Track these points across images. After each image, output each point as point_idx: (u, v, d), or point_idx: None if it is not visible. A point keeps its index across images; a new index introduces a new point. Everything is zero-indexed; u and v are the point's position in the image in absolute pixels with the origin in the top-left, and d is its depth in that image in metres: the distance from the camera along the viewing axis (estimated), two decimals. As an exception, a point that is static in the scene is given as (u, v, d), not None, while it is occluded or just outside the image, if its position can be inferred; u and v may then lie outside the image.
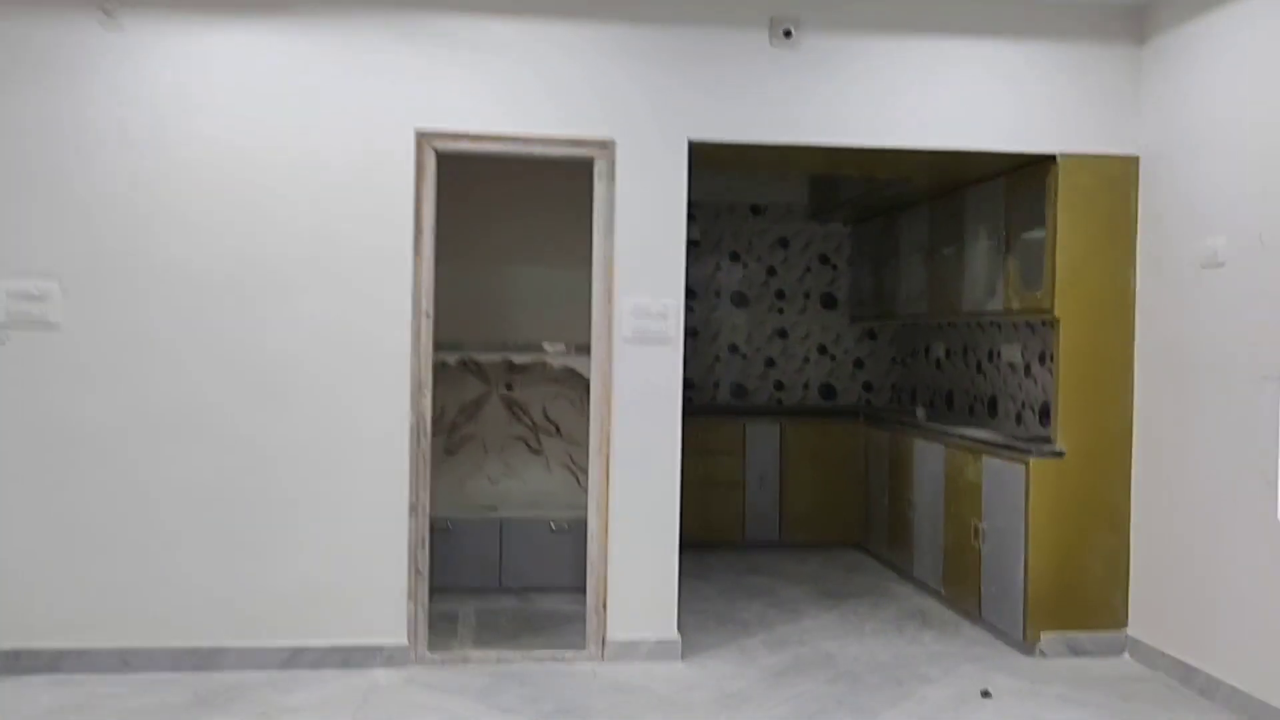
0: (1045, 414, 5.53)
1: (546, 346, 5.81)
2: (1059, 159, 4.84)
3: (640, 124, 4.63)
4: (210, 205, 4.40)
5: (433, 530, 5.26)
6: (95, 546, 4.35)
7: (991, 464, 5.19)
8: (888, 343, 7.88)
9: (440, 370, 5.77)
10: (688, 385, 7.37)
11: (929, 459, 5.94)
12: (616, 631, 4.64)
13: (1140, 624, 4.82)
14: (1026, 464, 4.86)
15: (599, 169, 4.64)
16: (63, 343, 4.32)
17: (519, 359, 5.86)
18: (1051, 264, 4.89)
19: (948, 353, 6.92)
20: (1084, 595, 4.88)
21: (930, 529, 5.89)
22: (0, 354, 4.28)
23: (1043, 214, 5.00)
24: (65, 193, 4.33)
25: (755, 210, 7.76)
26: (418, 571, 4.54)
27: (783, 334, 7.80)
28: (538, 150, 4.63)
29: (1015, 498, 4.94)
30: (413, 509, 4.53)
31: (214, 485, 4.41)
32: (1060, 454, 4.85)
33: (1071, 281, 4.85)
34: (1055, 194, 4.87)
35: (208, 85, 4.40)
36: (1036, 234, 5.09)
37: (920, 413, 6.69)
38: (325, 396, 4.46)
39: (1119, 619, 4.89)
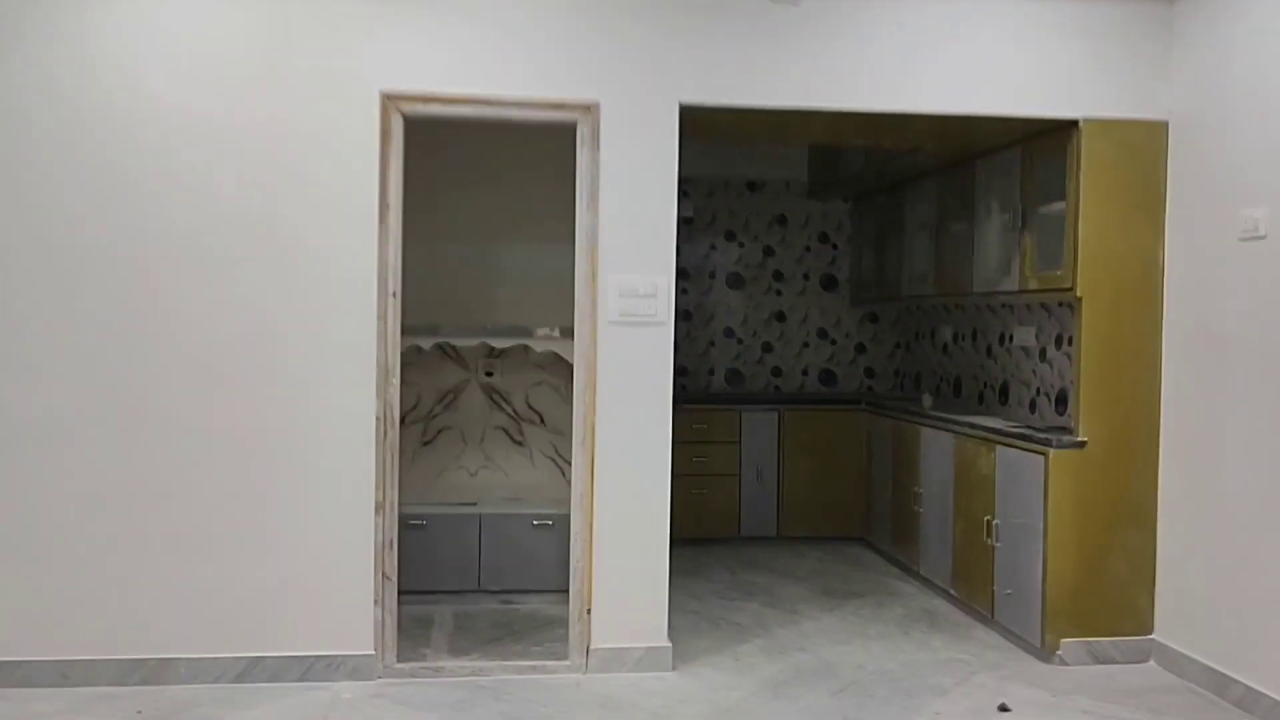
0: (1062, 401, 5.17)
1: (538, 332, 5.41)
2: (1081, 124, 4.46)
3: (627, 85, 4.24)
4: (152, 173, 4.00)
5: (406, 527, 4.91)
6: (30, 549, 3.97)
7: (1006, 455, 4.82)
8: (891, 326, 7.51)
9: (415, 356, 5.38)
10: (680, 372, 7.03)
11: (937, 449, 5.58)
12: (602, 639, 4.28)
13: (1168, 628, 4.47)
14: (1045, 455, 4.50)
15: (582, 134, 4.25)
16: (-7, 326, 3.93)
17: (499, 344, 5.47)
18: (1073, 239, 4.51)
19: (956, 336, 6.55)
20: (1107, 597, 4.52)
21: (938, 524, 5.53)
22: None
23: (1062, 185, 4.62)
24: (19, 169, 3.93)
25: (751, 186, 7.37)
26: (385, 576, 4.17)
27: (780, 317, 7.42)
28: (515, 114, 4.23)
29: (1032, 491, 4.58)
30: (379, 507, 4.15)
31: (160, 482, 4.03)
32: (1081, 444, 4.48)
33: (1094, 258, 4.48)
34: (1077, 163, 4.49)
35: (148, 38, 3.99)
36: (1055, 207, 4.72)
37: (926, 400, 6.32)
38: (282, 385, 4.08)
39: (1145, 623, 4.54)
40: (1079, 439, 4.48)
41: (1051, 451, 4.48)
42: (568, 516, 4.39)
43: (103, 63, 3.97)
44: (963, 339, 6.45)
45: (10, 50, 3.92)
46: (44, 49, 3.94)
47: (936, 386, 6.81)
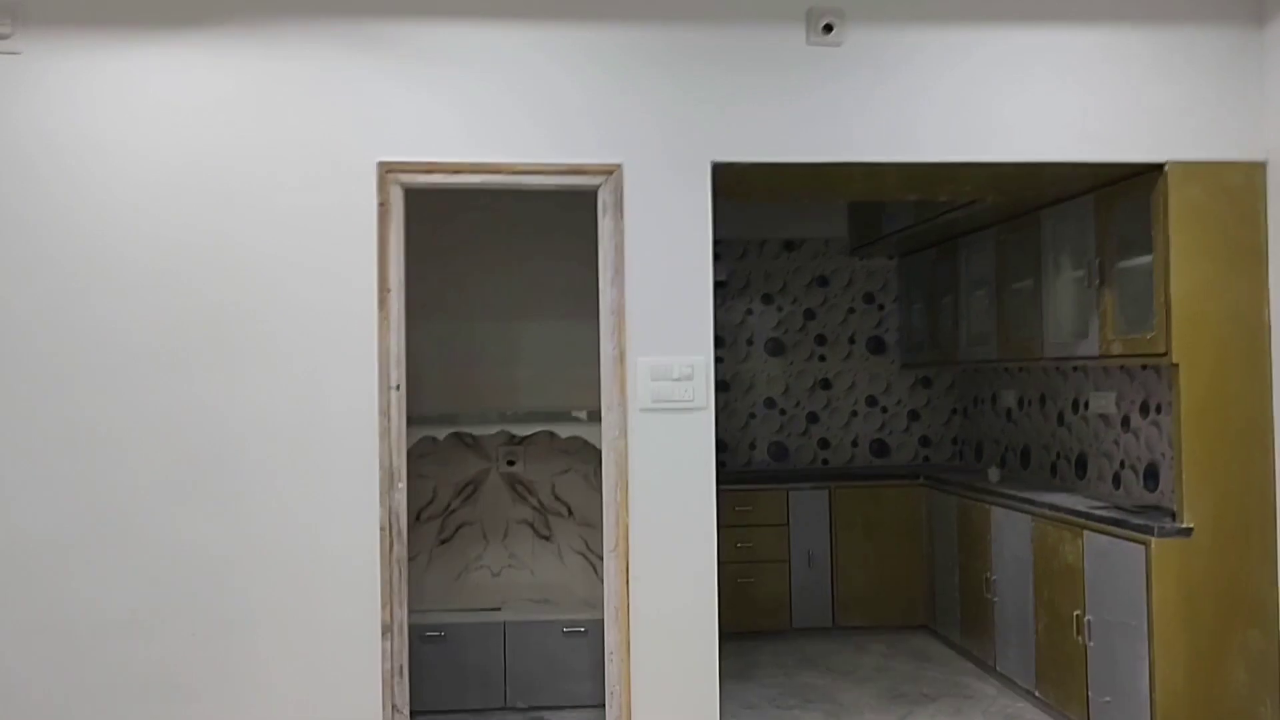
0: (1152, 476, 4.59)
1: (564, 417, 4.93)
2: (1167, 168, 3.95)
3: (652, 144, 3.79)
4: (136, 257, 3.59)
5: (422, 640, 4.40)
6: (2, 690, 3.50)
7: (1096, 542, 4.24)
8: (945, 391, 6.95)
9: (429, 446, 4.91)
10: (719, 448, 6.47)
11: (1011, 532, 5.00)
12: (645, 773, 3.73)
13: (1302, 744, 3.85)
14: (1146, 544, 3.92)
15: (604, 200, 3.80)
16: (-51, 439, 3.50)
17: (521, 431, 4.98)
18: (1164, 297, 3.97)
19: (1021, 402, 5.99)
20: (1224, 707, 3.91)
21: (1017, 616, 4.93)
22: None
23: (1145, 237, 4.09)
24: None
25: (789, 246, 6.89)
26: (396, 709, 3.65)
27: (826, 384, 6.89)
28: (528, 181, 3.79)
29: (1131, 585, 3.99)
30: (386, 629, 3.64)
31: (127, 611, 3.55)
32: (1187, 532, 3.90)
33: (1190, 318, 3.93)
34: (1164, 211, 3.96)
35: (128, 116, 3.60)
36: (1139, 261, 4.19)
37: (993, 474, 5.74)
38: (276, 493, 3.61)
39: (1272, 737, 3.92)
40: (1184, 525, 3.90)
41: (1153, 540, 3.90)
42: (602, 621, 3.87)
43: (80, 145, 3.58)
44: (1029, 405, 5.88)
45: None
46: (20, 134, 3.56)
47: (1001, 457, 6.23)
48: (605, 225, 3.80)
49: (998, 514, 5.15)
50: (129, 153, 3.59)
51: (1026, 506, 4.87)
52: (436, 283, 4.84)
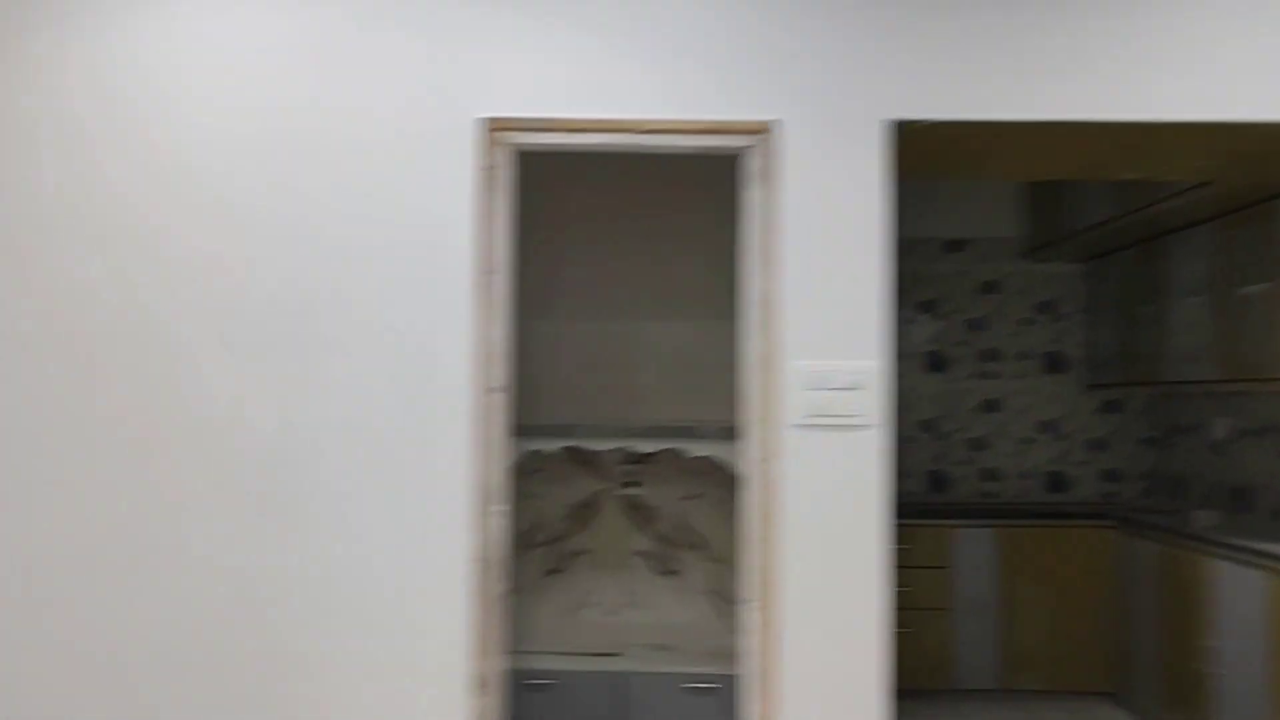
0: None
1: (694, 432, 4.23)
2: None
3: (812, 98, 3.07)
4: (188, 236, 3.04)
5: (526, 689, 3.75)
6: (19, 734, 2.97)
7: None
8: (1138, 416, 5.97)
9: (537, 462, 4.27)
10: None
11: (1239, 591, 4.06)
12: None
13: None
14: None
15: (752, 167, 3.09)
16: (-16, 436, 3.00)
17: (645, 447, 4.29)
18: None
19: (1238, 432, 5.01)
20: None
21: (1248, 696, 3.98)
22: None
23: None
24: (26, 224, 3.04)
25: (952, 246, 6.04)
26: (484, 781, 2.99)
27: (993, 406, 5.99)
28: (660, 142, 3.11)
29: None
30: (479, 684, 2.99)
31: (171, 648, 2.98)
32: None
33: None
34: None
35: (185, 66, 3.07)
36: None
37: (1205, 517, 4.78)
38: (346, 512, 3.00)
39: None
40: None
41: None
42: (735, 677, 3.14)
43: (129, 103, 3.06)
44: (1248, 436, 4.90)
45: (22, 91, 3.06)
46: (66, 88, 3.06)
47: (1207, 496, 5.25)
48: (753, 197, 3.10)
49: (1218, 567, 4.21)
50: (191, 115, 3.06)
51: (1260, 561, 3.93)
52: (545, 272, 4.21)
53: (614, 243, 4.40)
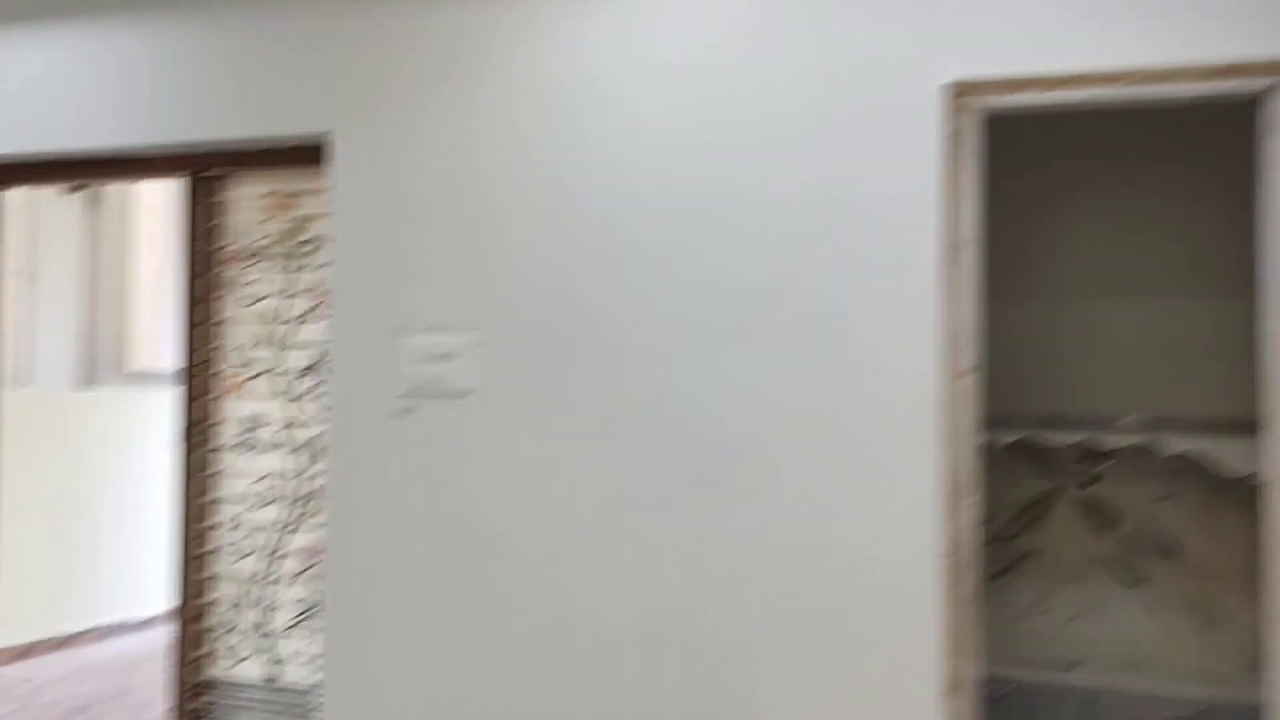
0: None
1: (1167, 426, 3.77)
2: None
3: (1358, 23, 2.57)
4: (647, 218, 3.10)
5: (989, 698, 3.49)
6: (490, 686, 3.18)
7: None
8: None
9: (982, 456, 3.98)
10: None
11: None
12: None
13: None
14: None
15: (1276, 112, 2.64)
16: (472, 415, 3.24)
17: (1109, 441, 3.87)
18: None
19: None
20: None
21: None
22: (403, 430, 3.31)
23: None
24: (488, 218, 3.28)
25: None
26: (956, 793, 2.78)
27: None
28: (1154, 92, 2.73)
29: None
30: (951, 686, 2.79)
31: (651, 618, 3.03)
32: None
33: None
34: None
35: (631, 52, 3.14)
36: None
37: None
38: (807, 499, 2.91)
39: None
40: None
41: None
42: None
43: (588, 92, 3.17)
44: None
45: (510, 97, 3.28)
46: (534, 91, 3.24)
47: None
48: (1276, 148, 2.64)
49: None
50: (635, 97, 3.11)
51: None
52: (997, 246, 3.91)
53: (1074, 213, 4.01)
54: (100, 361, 5.91)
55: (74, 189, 5.80)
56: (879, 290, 2.87)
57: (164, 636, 5.70)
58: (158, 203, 6.13)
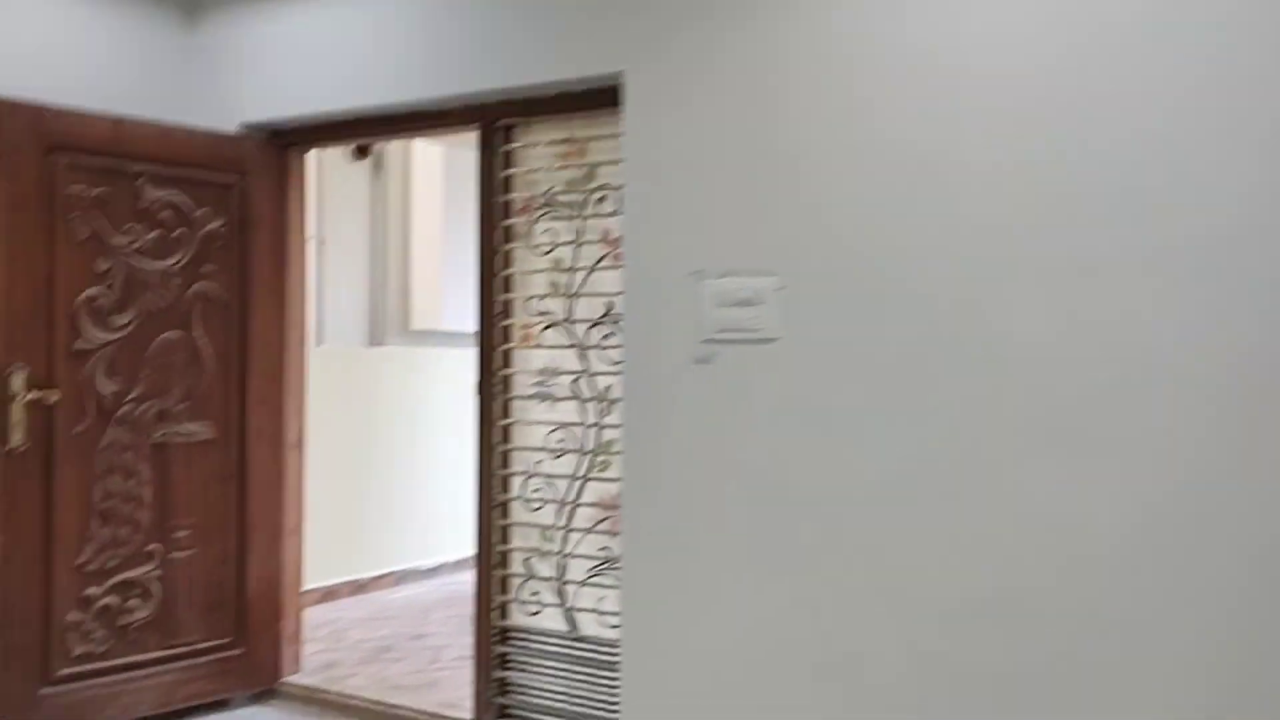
0: None
1: None
2: None
3: None
4: (977, 150, 2.80)
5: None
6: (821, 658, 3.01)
7: None
8: None
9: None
10: None
11: None
12: None
13: None
14: None
15: None
16: (779, 363, 3.06)
17: None
18: None
19: None
20: None
21: None
22: (701, 380, 3.17)
23: None
24: (790, 159, 3.07)
25: None
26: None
27: None
28: None
29: None
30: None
31: (1005, 585, 2.75)
32: None
33: None
34: None
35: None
36: None
37: None
38: (1170, 462, 2.55)
39: None
40: None
41: None
42: None
43: (928, 26, 2.90)
44: None
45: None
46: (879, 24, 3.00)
47: None
48: None
49: None
50: (969, 60, 2.80)
51: None
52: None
53: None
54: (386, 322, 6.17)
55: (359, 155, 6.05)
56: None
57: (451, 584, 5.93)
58: (436, 165, 6.32)
